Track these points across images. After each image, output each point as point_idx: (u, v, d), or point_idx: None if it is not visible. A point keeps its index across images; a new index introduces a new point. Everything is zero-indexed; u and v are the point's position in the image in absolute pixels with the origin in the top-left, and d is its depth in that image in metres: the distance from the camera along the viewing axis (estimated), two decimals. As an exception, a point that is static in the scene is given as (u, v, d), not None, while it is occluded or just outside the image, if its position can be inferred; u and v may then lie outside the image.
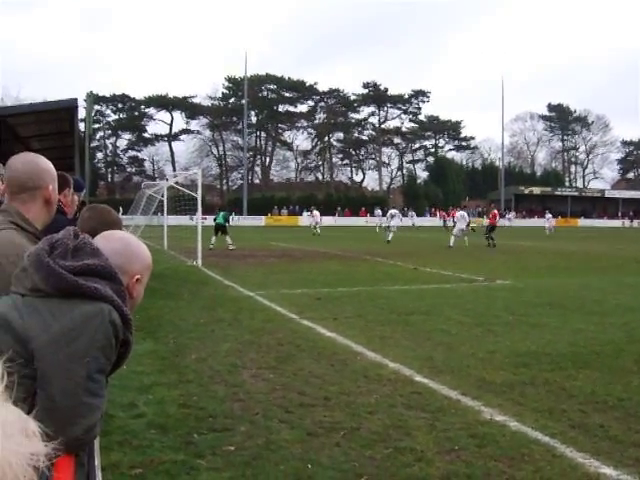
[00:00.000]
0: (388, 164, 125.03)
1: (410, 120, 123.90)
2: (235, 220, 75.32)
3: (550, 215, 69.39)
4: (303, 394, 7.25)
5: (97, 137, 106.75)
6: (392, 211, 43.07)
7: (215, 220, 32.48)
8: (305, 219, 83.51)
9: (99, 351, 2.13)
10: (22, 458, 0.85)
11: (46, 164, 3.07)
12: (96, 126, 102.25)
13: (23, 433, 0.88)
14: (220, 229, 32.02)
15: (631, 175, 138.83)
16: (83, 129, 22.11)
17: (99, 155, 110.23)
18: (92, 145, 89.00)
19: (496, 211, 42.81)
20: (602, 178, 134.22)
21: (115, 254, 2.34)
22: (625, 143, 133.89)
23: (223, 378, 7.92)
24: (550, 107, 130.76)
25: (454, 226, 39.06)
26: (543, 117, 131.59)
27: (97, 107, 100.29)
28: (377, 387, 7.59)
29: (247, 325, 11.44)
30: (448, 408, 6.81)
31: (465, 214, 39.85)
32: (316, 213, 56.06)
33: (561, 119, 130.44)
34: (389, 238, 38.71)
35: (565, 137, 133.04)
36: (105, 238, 2.45)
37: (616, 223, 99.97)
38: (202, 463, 5.36)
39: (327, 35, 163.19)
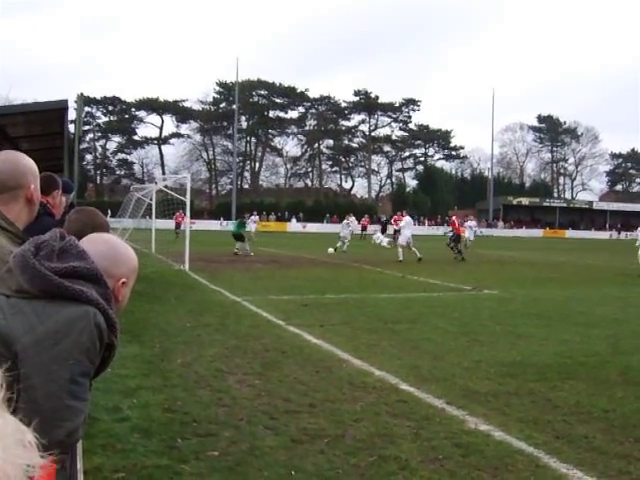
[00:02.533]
0: (377, 172, 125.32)
1: (400, 128, 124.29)
2: (223, 225, 75.37)
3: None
4: (288, 400, 7.24)
5: (87, 139, 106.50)
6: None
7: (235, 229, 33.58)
8: (293, 225, 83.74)
9: (83, 354, 2.11)
10: (19, 470, 0.84)
11: (28, 163, 3.02)
12: (86, 128, 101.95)
13: (20, 444, 0.87)
14: (238, 238, 32.51)
15: (619, 187, 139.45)
16: (73, 131, 21.99)
17: (88, 157, 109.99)
18: (82, 147, 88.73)
19: (454, 218, 38.14)
20: (590, 190, 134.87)
21: (101, 257, 2.33)
22: (614, 155, 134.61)
23: (208, 383, 7.90)
24: (540, 118, 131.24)
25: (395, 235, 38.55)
26: (533, 128, 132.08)
27: (87, 109, 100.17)
28: (362, 395, 7.58)
29: (233, 330, 11.42)
30: (433, 417, 6.81)
31: (473, 224, 41.60)
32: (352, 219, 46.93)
33: (551, 130, 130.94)
34: (343, 248, 37.63)
35: (554, 148, 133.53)
36: (91, 241, 2.43)
37: (604, 235, 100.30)
38: (186, 468, 5.35)
39: (319, 43, 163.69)
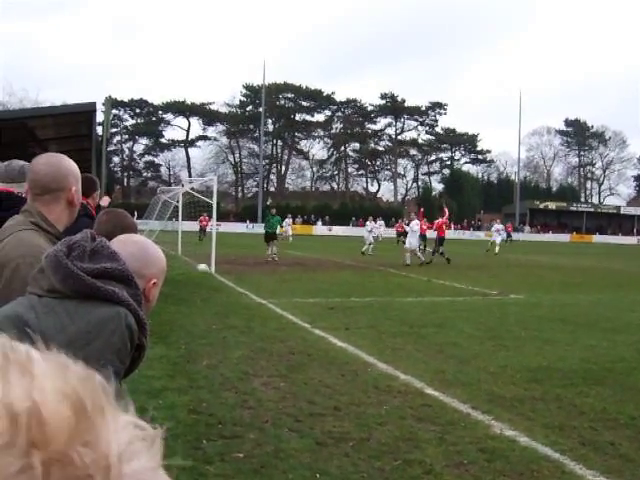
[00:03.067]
0: (404, 175, 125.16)
1: (427, 132, 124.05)
2: (249, 227, 75.45)
3: None
4: (313, 403, 7.25)
5: (114, 141, 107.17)
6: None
7: (266, 227, 30.38)
8: (319, 228, 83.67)
9: (114, 354, 2.13)
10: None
11: (70, 165, 3.06)
12: (113, 130, 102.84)
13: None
14: (272, 238, 29.70)
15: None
16: (101, 133, 22.16)
17: (116, 159, 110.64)
18: (109, 149, 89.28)
19: (441, 220, 35.12)
20: (618, 194, 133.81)
21: (132, 258, 2.35)
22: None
23: (233, 385, 7.92)
24: (567, 122, 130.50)
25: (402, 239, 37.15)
26: (560, 132, 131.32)
27: (115, 111, 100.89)
28: (387, 398, 7.57)
29: (259, 333, 11.44)
30: (458, 422, 6.80)
31: (500, 227, 41.33)
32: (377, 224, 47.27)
33: (578, 134, 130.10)
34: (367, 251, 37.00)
35: (581, 153, 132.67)
36: (122, 242, 2.46)
37: (631, 240, 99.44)
38: (210, 469, 5.37)
39: (345, 46, 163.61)
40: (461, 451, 5.95)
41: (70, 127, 17.30)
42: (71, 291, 2.15)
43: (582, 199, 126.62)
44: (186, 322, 12.22)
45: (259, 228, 71.46)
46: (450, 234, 78.75)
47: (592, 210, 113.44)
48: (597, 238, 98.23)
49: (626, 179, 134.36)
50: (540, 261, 37.72)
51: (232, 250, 32.35)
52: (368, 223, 40.30)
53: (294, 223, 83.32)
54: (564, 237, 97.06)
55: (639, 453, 6.05)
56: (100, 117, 20.23)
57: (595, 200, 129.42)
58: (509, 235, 68.25)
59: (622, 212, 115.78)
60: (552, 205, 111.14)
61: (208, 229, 42.06)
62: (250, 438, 6.11)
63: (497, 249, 41.10)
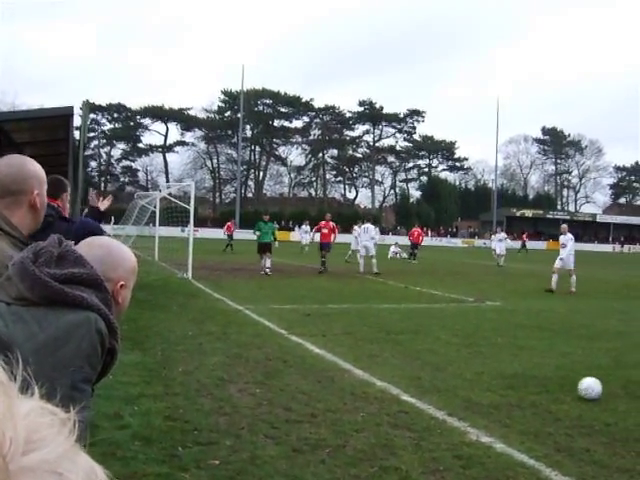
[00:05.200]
0: (381, 182, 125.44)
1: (404, 139, 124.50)
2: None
3: None
4: (289, 410, 7.23)
5: (92, 146, 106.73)
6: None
7: (259, 237, 26.59)
8: (297, 235, 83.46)
9: (84, 360, 2.11)
10: None
11: (33, 168, 2.97)
12: (91, 135, 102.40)
13: None
14: (266, 249, 26.20)
15: (623, 200, 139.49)
16: (78, 137, 22.03)
17: (93, 164, 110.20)
18: (86, 153, 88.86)
19: (418, 229, 42.49)
20: (594, 202, 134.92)
21: (98, 261, 2.32)
22: (618, 168, 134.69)
23: (209, 391, 7.89)
24: (544, 131, 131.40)
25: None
26: (537, 140, 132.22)
27: (92, 116, 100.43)
28: (364, 405, 7.57)
29: (235, 339, 11.41)
30: (434, 428, 6.80)
31: (503, 235, 40.17)
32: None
33: (555, 143, 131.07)
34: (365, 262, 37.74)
35: (558, 161, 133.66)
36: (88, 245, 2.42)
37: (607, 248, 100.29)
38: (186, 477, 5.34)
39: (324, 53, 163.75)
40: (437, 458, 5.95)
41: (47, 131, 17.20)
42: (39, 298, 2.12)
43: (558, 207, 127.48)
44: (162, 328, 12.17)
45: (236, 234, 70.86)
46: (427, 241, 79.07)
47: (568, 218, 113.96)
48: (520, 243, 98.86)
49: (602, 187, 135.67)
50: (516, 268, 37.87)
51: (209, 256, 32.26)
52: (356, 228, 35.19)
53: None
54: (540, 244, 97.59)
55: (614, 459, 6.08)
56: (77, 121, 20.13)
57: (571, 208, 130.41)
58: (524, 245, 68.45)
59: (598, 220, 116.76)
60: (529, 213, 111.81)
61: (222, 235, 39.88)
62: (226, 445, 6.08)
63: (502, 260, 38.69)
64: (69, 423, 0.65)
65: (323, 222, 29.72)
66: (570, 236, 24.32)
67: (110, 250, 2.43)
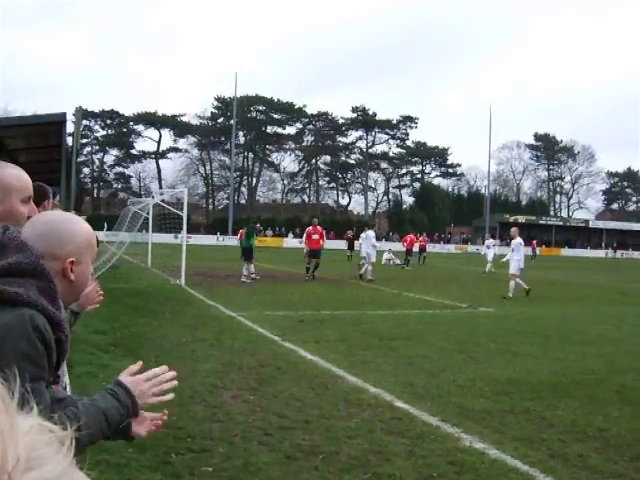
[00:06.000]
0: (374, 188, 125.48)
1: (397, 145, 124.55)
2: (220, 240, 75.17)
3: None
4: (283, 417, 7.22)
5: (84, 152, 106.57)
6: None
7: (242, 243, 27.25)
8: (290, 241, 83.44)
9: (25, 360, 1.96)
10: None
11: (6, 176, 2.87)
12: (84, 141, 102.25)
13: None
14: (248, 256, 26.01)
15: (615, 206, 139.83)
16: (71, 143, 22.06)
17: (86, 170, 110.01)
18: (79, 160, 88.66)
19: (411, 236, 42.91)
20: (586, 208, 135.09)
21: (41, 240, 2.18)
22: (610, 174, 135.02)
23: (203, 398, 7.87)
24: (537, 137, 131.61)
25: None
26: (529, 146, 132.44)
27: (85, 122, 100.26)
28: (357, 412, 7.56)
29: (229, 346, 11.40)
30: (428, 434, 6.80)
31: (492, 242, 39.56)
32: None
33: (547, 149, 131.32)
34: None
35: (551, 167, 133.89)
36: (31, 224, 2.29)
37: (599, 253, 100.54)
38: (179, 484, 5.32)
39: (318, 60, 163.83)
40: (431, 464, 5.95)
41: (40, 137, 17.16)
42: None
43: (551, 213, 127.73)
44: (155, 335, 12.15)
45: (230, 241, 70.90)
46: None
47: (561, 224, 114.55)
48: (566, 251, 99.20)
49: (594, 193, 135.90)
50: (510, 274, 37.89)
51: (202, 263, 32.21)
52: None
53: (264, 236, 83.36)
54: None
55: (607, 465, 6.09)
56: (70, 128, 20.15)
57: (564, 214, 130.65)
58: (534, 251, 68.44)
59: (590, 226, 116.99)
60: (522, 219, 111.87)
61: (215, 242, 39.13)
62: (219, 452, 6.07)
63: (488, 267, 37.62)
64: (67, 441, 0.65)
65: (311, 228, 29.01)
66: (519, 240, 23.89)
67: (55, 226, 2.27)
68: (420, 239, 46.48)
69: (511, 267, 23.39)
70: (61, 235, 2.24)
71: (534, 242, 75.57)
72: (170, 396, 2.38)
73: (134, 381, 2.29)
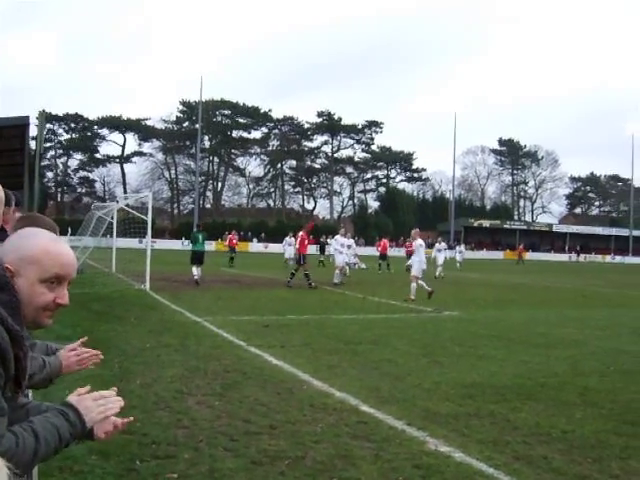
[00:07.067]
0: (340, 193, 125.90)
1: (363, 150, 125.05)
2: (185, 245, 74.74)
3: None
4: (248, 422, 7.19)
5: (48, 156, 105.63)
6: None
7: (194, 247, 27.02)
8: (255, 246, 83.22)
9: None
10: None
11: None
12: (47, 145, 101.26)
13: None
14: (198, 258, 26.44)
15: (578, 210, 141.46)
16: (34, 147, 21.82)
17: (49, 174, 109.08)
18: (42, 164, 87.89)
19: (385, 241, 45.05)
20: (550, 213, 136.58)
21: (5, 248, 2.16)
22: (573, 179, 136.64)
23: (168, 404, 7.82)
24: (501, 142, 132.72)
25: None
26: (494, 151, 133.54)
27: (49, 126, 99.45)
28: (323, 416, 7.55)
29: (194, 351, 11.34)
30: (393, 438, 6.80)
31: (443, 246, 39.34)
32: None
33: (511, 154, 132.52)
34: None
35: (515, 171, 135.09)
36: (17, 234, 2.27)
37: (563, 257, 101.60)
38: (144, 490, 5.28)
39: (284, 64, 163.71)
40: (396, 468, 5.95)
41: (2, 141, 16.97)
42: None
43: (515, 217, 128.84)
44: (120, 340, 12.05)
45: (195, 241, 69.63)
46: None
47: (525, 228, 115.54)
48: (530, 255, 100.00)
49: (558, 197, 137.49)
50: (474, 278, 38.18)
51: (167, 267, 32.07)
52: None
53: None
54: (498, 254, 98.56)
55: (571, 466, 6.13)
56: (34, 131, 19.92)
57: (528, 218, 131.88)
58: (520, 257, 69.25)
59: (554, 230, 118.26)
60: (486, 223, 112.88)
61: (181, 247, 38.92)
62: (184, 458, 6.03)
63: (438, 271, 36.87)
64: (4, 470, 0.64)
65: (304, 233, 28.62)
66: (420, 242, 23.60)
67: (14, 237, 2.25)
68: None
69: (413, 269, 23.26)
70: (14, 244, 2.21)
71: (521, 247, 76.16)
72: (116, 415, 2.34)
73: (79, 399, 2.25)
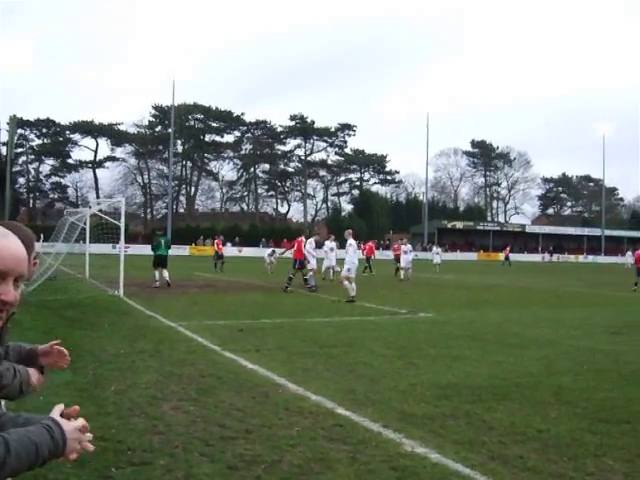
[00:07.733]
0: (313, 196, 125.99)
1: (336, 153, 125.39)
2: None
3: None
4: (224, 427, 7.16)
5: (19, 162, 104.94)
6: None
7: (156, 251, 27.48)
8: (229, 250, 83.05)
9: None
10: None
11: None
12: (18, 150, 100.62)
13: None
14: (162, 262, 27.12)
15: (551, 211, 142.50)
16: (5, 153, 21.70)
17: (21, 180, 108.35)
18: (14, 170, 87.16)
19: (370, 244, 46.73)
20: (523, 213, 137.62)
21: None
22: (545, 180, 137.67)
23: (143, 410, 7.77)
24: (473, 143, 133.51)
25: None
26: (466, 153, 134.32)
27: (20, 131, 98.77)
28: (299, 420, 7.54)
29: (168, 356, 11.28)
30: (369, 441, 6.80)
31: (409, 247, 38.62)
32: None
33: (484, 155, 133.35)
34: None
35: (487, 173, 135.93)
36: None
37: (536, 258, 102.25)
38: (119, 497, 5.24)
39: (257, 68, 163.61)
40: (373, 470, 5.95)
41: (-29, 148, 16.84)
42: None
43: (488, 218, 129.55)
44: (94, 347, 11.96)
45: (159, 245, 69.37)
46: (359, 254, 79.08)
47: (498, 229, 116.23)
48: (503, 256, 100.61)
49: (530, 198, 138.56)
50: (448, 279, 38.31)
51: (141, 273, 31.88)
52: (327, 242, 35.25)
53: (203, 245, 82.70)
54: (471, 255, 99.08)
55: (546, 465, 6.16)
56: (4, 137, 19.76)
57: (501, 219, 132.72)
58: (507, 258, 69.80)
59: (527, 230, 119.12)
60: (459, 224, 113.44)
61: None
62: (160, 464, 5.99)
63: (402, 273, 37.00)
64: None
65: (301, 238, 28.51)
66: (350, 242, 23.55)
67: None
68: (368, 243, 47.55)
69: (344, 270, 23.28)
70: None
71: (508, 249, 76.50)
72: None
73: (68, 423, 2.22)
